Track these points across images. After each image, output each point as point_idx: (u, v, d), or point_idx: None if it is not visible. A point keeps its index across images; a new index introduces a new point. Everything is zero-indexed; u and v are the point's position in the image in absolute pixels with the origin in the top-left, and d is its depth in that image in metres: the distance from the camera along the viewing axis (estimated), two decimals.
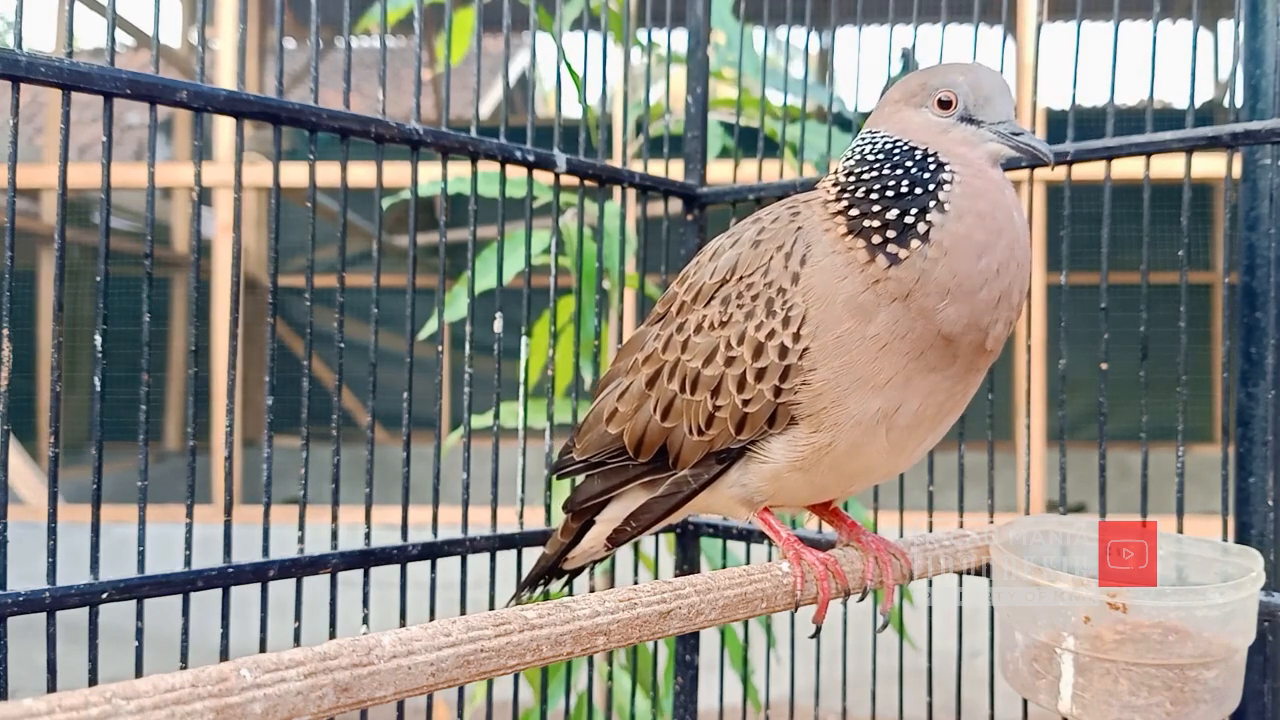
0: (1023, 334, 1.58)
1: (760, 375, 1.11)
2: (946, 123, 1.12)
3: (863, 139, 1.16)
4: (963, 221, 1.05)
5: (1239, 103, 1.52)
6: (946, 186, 1.07)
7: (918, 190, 1.08)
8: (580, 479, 1.38)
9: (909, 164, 1.10)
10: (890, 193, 1.08)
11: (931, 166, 1.09)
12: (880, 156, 1.12)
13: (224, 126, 4.98)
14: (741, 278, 1.16)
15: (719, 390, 1.15)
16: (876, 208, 1.08)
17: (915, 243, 1.05)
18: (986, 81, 1.13)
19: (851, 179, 1.12)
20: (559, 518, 1.46)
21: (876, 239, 1.07)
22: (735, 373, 1.14)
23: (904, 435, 1.11)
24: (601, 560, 1.52)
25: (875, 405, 1.07)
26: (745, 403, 1.13)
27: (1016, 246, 1.07)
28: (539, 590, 1.51)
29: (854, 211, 1.09)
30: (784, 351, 1.09)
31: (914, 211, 1.06)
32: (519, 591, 1.50)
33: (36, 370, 6.21)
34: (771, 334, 1.10)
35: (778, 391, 1.10)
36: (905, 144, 1.12)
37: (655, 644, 1.91)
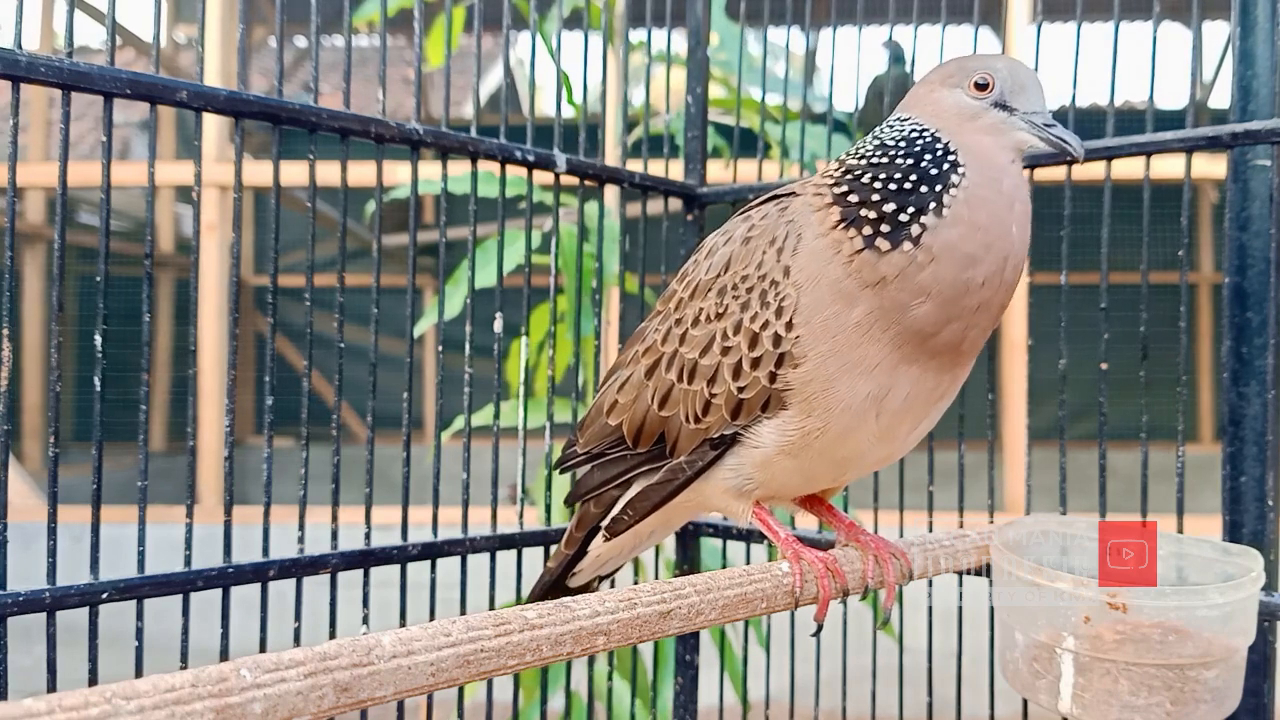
0: (1022, 334, 1.58)
1: (756, 363, 1.13)
2: (979, 106, 1.12)
3: (889, 124, 1.16)
4: (956, 229, 1.05)
5: (1228, 104, 1.53)
6: (952, 190, 1.07)
7: (923, 188, 1.07)
8: (582, 472, 1.39)
9: (926, 158, 1.09)
10: (894, 185, 1.08)
11: (945, 165, 1.08)
12: (900, 144, 1.11)
13: (211, 125, 4.95)
14: (736, 272, 1.18)
15: (715, 379, 1.18)
16: (876, 197, 1.08)
17: (906, 245, 1.05)
18: (1023, 72, 1.14)
19: (863, 163, 1.12)
20: (560, 516, 1.45)
21: (868, 230, 1.07)
22: (731, 361, 1.16)
23: (894, 420, 1.12)
24: (607, 577, 1.50)
25: (864, 390, 1.08)
26: (741, 389, 1.15)
27: (1008, 263, 1.07)
28: None
29: (853, 198, 1.09)
30: (778, 340, 1.12)
31: (911, 210, 1.06)
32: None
33: (22, 370, 6.15)
34: (766, 324, 1.12)
35: (773, 377, 1.12)
36: (930, 134, 1.11)
37: (655, 644, 1.90)
